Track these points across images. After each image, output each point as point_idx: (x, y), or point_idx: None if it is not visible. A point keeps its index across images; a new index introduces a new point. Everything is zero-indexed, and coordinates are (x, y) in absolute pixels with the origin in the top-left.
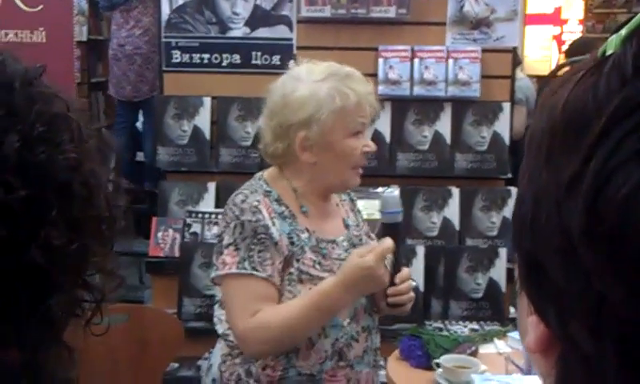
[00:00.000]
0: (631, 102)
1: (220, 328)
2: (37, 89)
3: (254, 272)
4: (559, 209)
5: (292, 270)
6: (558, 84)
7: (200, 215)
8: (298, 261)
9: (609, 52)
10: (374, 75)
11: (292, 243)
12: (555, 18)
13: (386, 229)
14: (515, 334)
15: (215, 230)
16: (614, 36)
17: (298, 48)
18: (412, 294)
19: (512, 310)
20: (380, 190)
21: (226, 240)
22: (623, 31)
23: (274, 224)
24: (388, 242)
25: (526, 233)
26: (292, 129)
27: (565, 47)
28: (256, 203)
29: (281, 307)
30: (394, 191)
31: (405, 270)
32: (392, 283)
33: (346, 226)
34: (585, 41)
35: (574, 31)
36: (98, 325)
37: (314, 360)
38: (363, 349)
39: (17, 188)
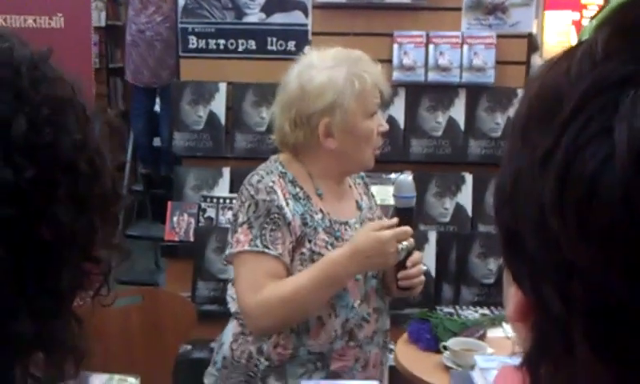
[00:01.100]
0: (600, 84)
1: (232, 306)
2: (43, 72)
3: (266, 250)
4: (534, 183)
5: (304, 250)
6: (538, 71)
7: (215, 200)
8: (310, 241)
9: (583, 39)
10: (389, 61)
11: (305, 224)
12: (575, 3)
13: (400, 213)
14: None
15: (229, 214)
16: (588, 24)
17: (314, 34)
18: (422, 277)
19: None
20: (394, 175)
21: (241, 218)
22: (595, 20)
23: (287, 204)
24: (408, 229)
25: (506, 206)
26: (314, 117)
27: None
28: (271, 184)
29: (288, 279)
30: (408, 176)
31: (416, 254)
32: (404, 266)
33: (359, 208)
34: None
35: (594, 16)
36: (105, 297)
37: (324, 339)
38: (373, 330)
39: (25, 168)
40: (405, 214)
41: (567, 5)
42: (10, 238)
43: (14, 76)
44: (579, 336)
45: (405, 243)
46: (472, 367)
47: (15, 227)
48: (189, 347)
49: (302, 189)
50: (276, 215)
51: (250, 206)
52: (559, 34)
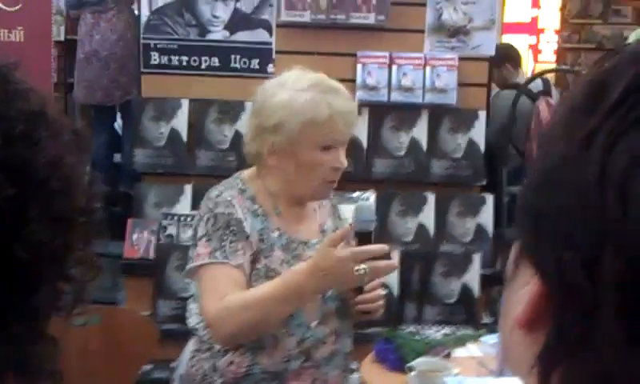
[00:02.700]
0: None
1: (191, 321)
2: (14, 86)
3: (226, 261)
4: (573, 162)
5: (259, 266)
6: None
7: (176, 217)
8: (266, 258)
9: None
10: (353, 81)
11: (262, 240)
12: (532, 28)
13: (359, 237)
14: (488, 338)
15: (191, 232)
16: (634, 32)
17: (277, 52)
18: (381, 302)
19: (485, 314)
20: (356, 194)
21: (200, 232)
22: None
23: (246, 219)
24: (367, 249)
25: (538, 192)
26: (265, 132)
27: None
28: (229, 198)
29: (251, 290)
30: (368, 199)
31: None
32: (361, 290)
33: (322, 231)
34: (505, 47)
35: (550, 41)
36: (77, 316)
37: (279, 358)
38: (331, 351)
39: (3, 186)
40: (364, 238)
41: (524, 29)
42: None
43: None
44: (608, 317)
45: (363, 266)
46: None
47: None
48: (149, 367)
49: (260, 206)
50: (235, 228)
51: (208, 219)
52: None
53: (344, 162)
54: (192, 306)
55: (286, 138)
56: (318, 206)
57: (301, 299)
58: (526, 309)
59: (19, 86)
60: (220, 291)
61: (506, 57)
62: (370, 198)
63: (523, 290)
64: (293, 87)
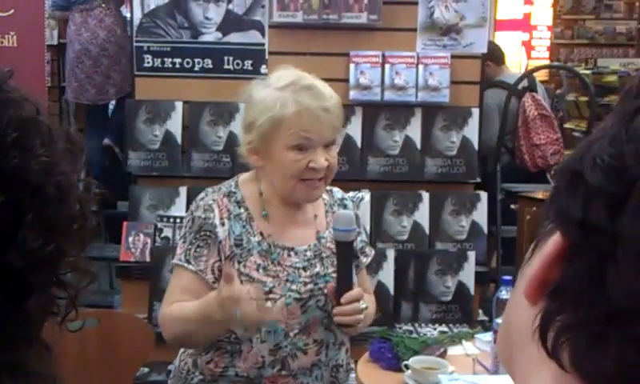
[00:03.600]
0: None
1: None
2: (6, 94)
3: (186, 264)
4: (620, 129)
5: (233, 269)
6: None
7: (171, 220)
8: (240, 263)
9: None
10: (346, 80)
11: (238, 245)
12: (525, 24)
13: (338, 246)
14: (483, 336)
15: None
16: None
17: (270, 53)
18: (359, 316)
19: (480, 312)
20: (351, 194)
21: (182, 232)
22: None
23: (223, 224)
24: (235, 294)
25: (577, 156)
26: (243, 131)
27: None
28: (210, 202)
29: (185, 305)
30: (364, 203)
31: (354, 291)
32: (339, 303)
33: (318, 239)
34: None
35: (543, 37)
36: (72, 321)
37: (251, 363)
38: (312, 362)
39: None
40: (343, 248)
41: (517, 26)
42: None
43: None
44: (624, 257)
45: (237, 308)
46: None
47: None
48: (146, 370)
49: (246, 210)
50: (207, 232)
51: (189, 221)
52: (510, 54)
53: (321, 162)
54: None
55: (258, 136)
56: (325, 210)
57: (217, 323)
58: (538, 271)
59: (12, 95)
60: (173, 296)
61: (487, 55)
62: (365, 197)
63: (536, 260)
64: (273, 86)
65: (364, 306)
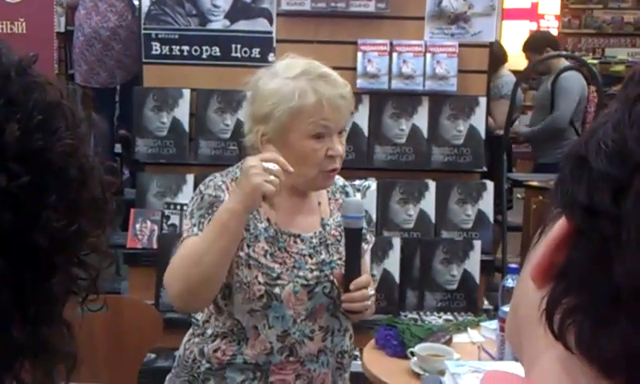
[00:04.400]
0: None
1: None
2: (32, 78)
3: (200, 233)
4: (623, 114)
5: (241, 253)
6: None
7: (178, 207)
8: (249, 247)
9: None
10: (353, 69)
11: (247, 229)
12: (532, 13)
13: (347, 233)
14: (488, 324)
15: None
16: None
17: (278, 41)
18: (368, 302)
19: (485, 301)
20: (357, 182)
21: (187, 210)
22: None
23: None
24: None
25: (582, 140)
26: (256, 122)
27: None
28: (220, 183)
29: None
30: (371, 191)
31: (362, 278)
32: (347, 289)
33: (323, 226)
34: (544, 34)
35: (550, 26)
36: (93, 301)
37: (259, 350)
38: (318, 348)
39: (19, 175)
40: (352, 235)
41: (524, 15)
42: (5, 244)
43: (5, 82)
44: (628, 239)
45: (273, 165)
46: (439, 372)
47: (10, 234)
48: (153, 356)
49: None
50: (217, 208)
51: (195, 199)
52: (517, 43)
53: (339, 149)
54: None
55: (276, 127)
56: (328, 198)
57: (224, 225)
58: (545, 255)
59: (37, 79)
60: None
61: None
62: (372, 185)
63: (542, 245)
64: (283, 75)
65: (372, 292)
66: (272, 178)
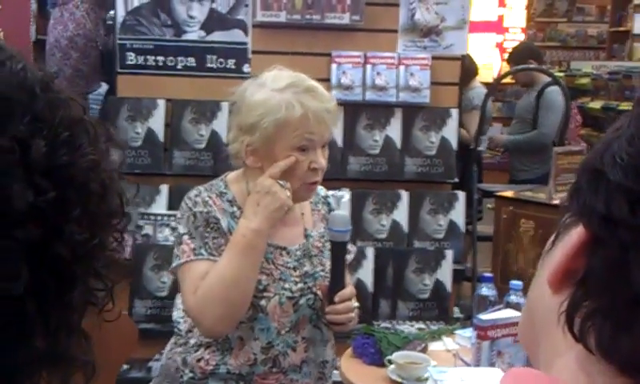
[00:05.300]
0: None
1: (174, 315)
2: (55, 94)
3: (211, 257)
4: (637, 130)
5: None
6: None
7: (152, 217)
8: None
9: None
10: (328, 80)
11: None
12: (498, 26)
13: (333, 246)
14: (463, 332)
15: (167, 232)
16: None
17: (253, 52)
18: (351, 314)
19: (456, 309)
20: (331, 193)
21: (181, 230)
22: None
23: (223, 218)
24: (276, 164)
25: (597, 155)
26: (242, 132)
27: (507, 53)
28: (207, 199)
29: (214, 267)
30: (344, 202)
31: (347, 290)
32: (331, 301)
33: (306, 237)
34: (528, 46)
35: (516, 39)
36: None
37: (243, 360)
38: (301, 359)
39: (46, 190)
40: (337, 248)
41: (491, 28)
42: (31, 257)
43: (31, 98)
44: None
45: (282, 182)
46: (417, 379)
47: (36, 247)
48: (126, 367)
49: (239, 208)
50: (215, 225)
51: (189, 217)
52: (484, 56)
53: (322, 162)
54: (177, 301)
55: (261, 138)
56: (310, 209)
57: (254, 247)
58: (562, 261)
59: (60, 95)
60: (194, 284)
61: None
62: (345, 196)
63: (559, 251)
64: (270, 87)
65: (356, 304)
66: (288, 192)
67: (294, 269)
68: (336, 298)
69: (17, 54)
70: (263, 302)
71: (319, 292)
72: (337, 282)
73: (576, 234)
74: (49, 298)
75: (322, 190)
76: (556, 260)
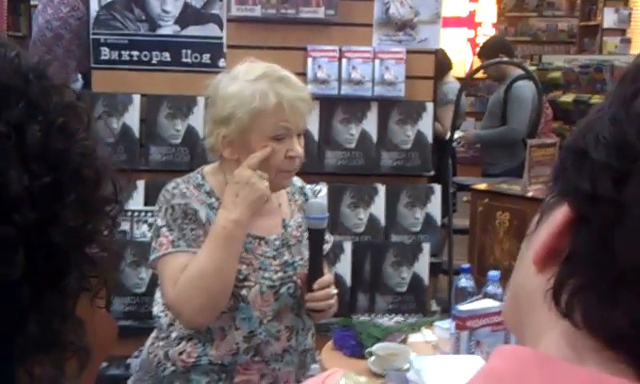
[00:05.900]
0: None
1: (154, 309)
2: (49, 81)
3: (190, 249)
4: (619, 110)
5: None
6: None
7: (129, 213)
8: None
9: None
10: (303, 74)
11: None
12: (470, 21)
13: (310, 234)
14: (441, 323)
15: (145, 228)
16: None
17: (228, 47)
18: (331, 301)
19: (433, 303)
20: (308, 186)
21: (160, 223)
22: None
23: (201, 210)
24: (253, 155)
25: (579, 135)
26: (217, 124)
27: (479, 48)
28: (185, 190)
29: (194, 258)
30: (321, 191)
31: (325, 277)
32: (310, 289)
33: (284, 227)
34: (498, 40)
35: (487, 34)
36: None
37: (225, 350)
38: (283, 348)
39: (41, 175)
40: (315, 235)
41: (462, 23)
42: (26, 242)
43: (25, 84)
44: (630, 222)
45: (259, 172)
46: (397, 370)
47: (31, 232)
48: (105, 364)
49: (217, 199)
50: (193, 217)
51: (167, 209)
52: (456, 51)
53: (299, 150)
54: (157, 295)
55: (237, 129)
56: (288, 199)
57: (234, 238)
58: (547, 240)
59: (54, 82)
60: (174, 277)
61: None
62: (323, 190)
63: (546, 224)
64: (243, 78)
65: (335, 291)
66: (266, 183)
67: (274, 258)
68: (315, 286)
69: (9, 42)
70: (244, 292)
71: (299, 281)
72: (315, 270)
73: (560, 214)
74: (43, 284)
75: (298, 181)
76: (541, 239)
